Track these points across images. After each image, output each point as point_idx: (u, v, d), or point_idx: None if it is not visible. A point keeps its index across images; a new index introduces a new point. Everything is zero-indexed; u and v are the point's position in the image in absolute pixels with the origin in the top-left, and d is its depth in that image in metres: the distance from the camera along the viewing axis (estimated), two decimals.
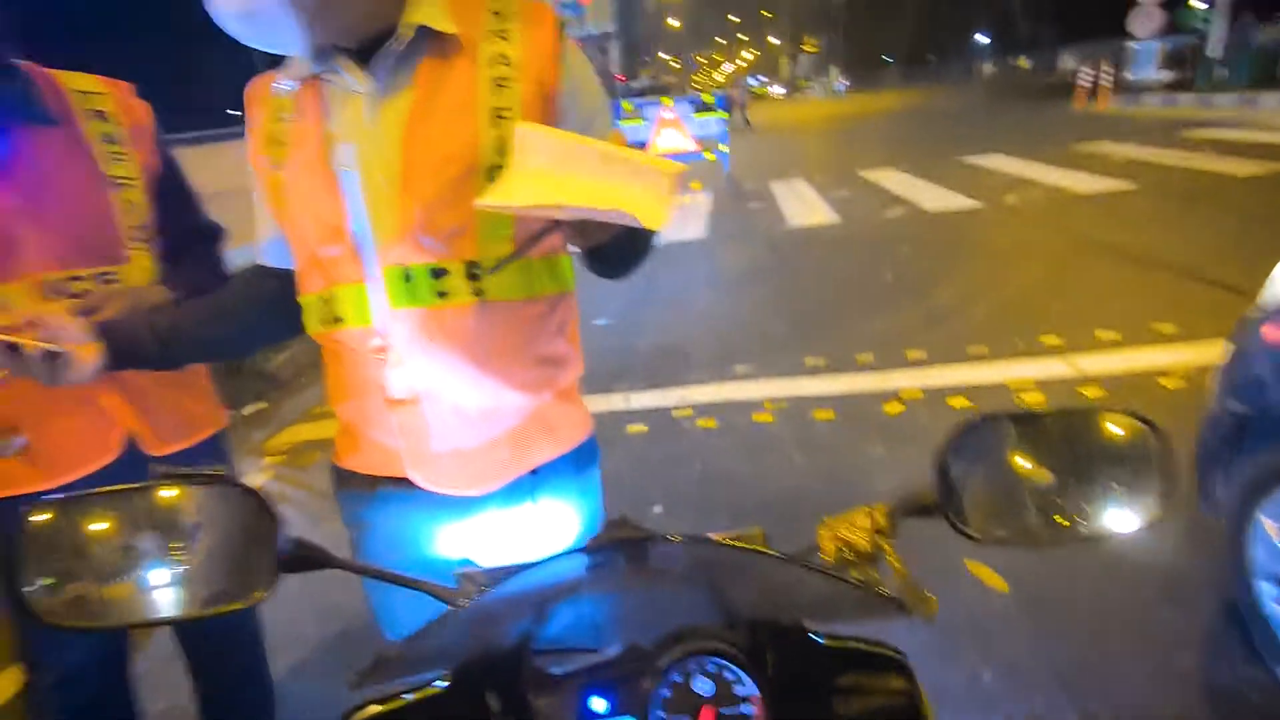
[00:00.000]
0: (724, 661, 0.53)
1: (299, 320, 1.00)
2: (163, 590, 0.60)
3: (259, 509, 0.60)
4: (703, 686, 0.53)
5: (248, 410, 3.97)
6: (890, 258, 5.56)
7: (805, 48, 71.88)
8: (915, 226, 6.60)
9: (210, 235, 1.35)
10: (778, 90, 64.45)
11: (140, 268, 1.18)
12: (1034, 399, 3.04)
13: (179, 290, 1.16)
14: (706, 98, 10.77)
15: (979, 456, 0.59)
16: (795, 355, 3.81)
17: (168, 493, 0.61)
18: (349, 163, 0.85)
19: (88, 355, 0.85)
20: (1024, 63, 39.66)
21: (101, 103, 1.18)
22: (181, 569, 0.60)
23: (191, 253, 1.29)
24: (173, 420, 1.23)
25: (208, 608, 0.60)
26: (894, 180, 9.05)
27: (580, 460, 1.02)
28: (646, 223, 0.64)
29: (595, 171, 0.70)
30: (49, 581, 0.58)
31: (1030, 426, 0.60)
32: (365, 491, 0.98)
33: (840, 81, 51.70)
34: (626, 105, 10.47)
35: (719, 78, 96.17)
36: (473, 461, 0.93)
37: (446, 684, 0.57)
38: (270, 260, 1.00)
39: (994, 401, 3.05)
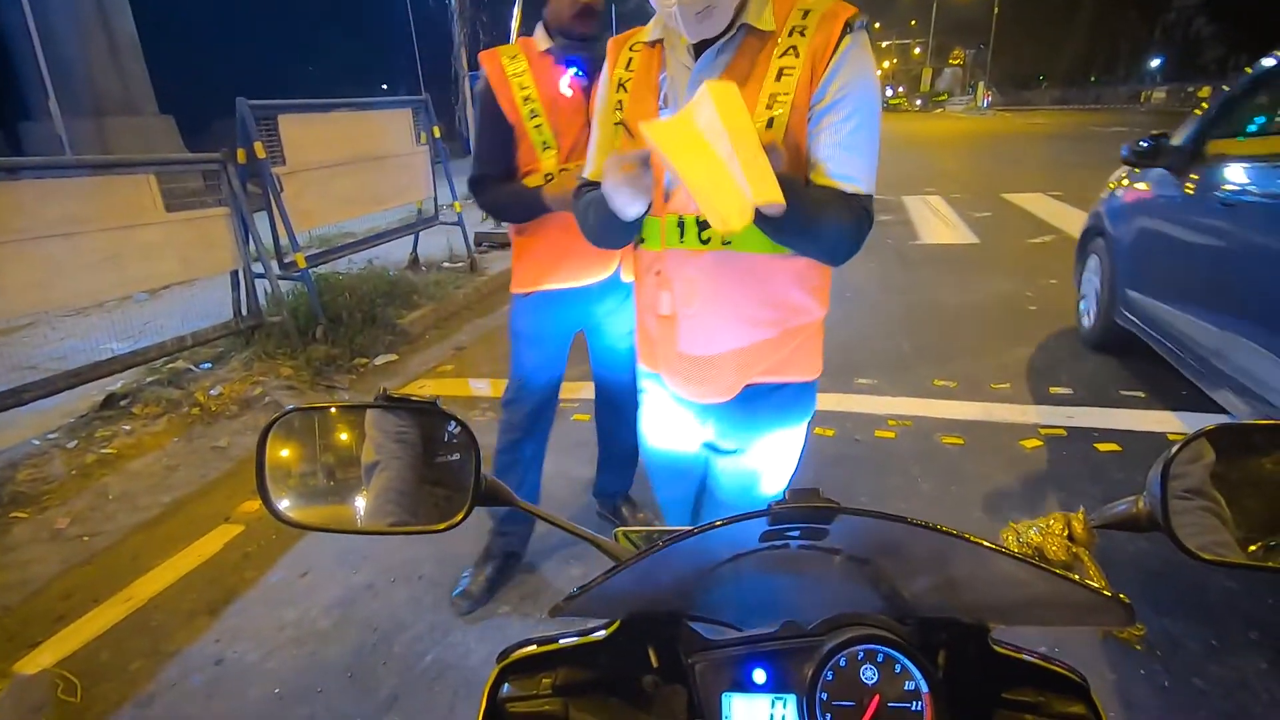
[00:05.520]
0: (895, 654, 0.52)
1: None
2: (374, 502, 0.62)
3: (467, 443, 0.61)
4: (869, 676, 0.52)
5: (379, 360, 4.23)
6: (1035, 286, 5.18)
7: (951, 61, 68.33)
8: (1065, 256, 6.09)
9: None
10: (915, 103, 61.69)
11: None
12: None
13: None
14: None
15: (1206, 469, 0.53)
16: (923, 375, 3.62)
17: (389, 414, 0.63)
18: (668, 115, 1.06)
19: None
20: (1205, 91, 35.75)
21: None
22: (392, 486, 0.63)
23: None
24: None
25: (410, 525, 0.62)
26: (1042, 206, 8.43)
27: (797, 398, 1.21)
28: (712, 221, 0.82)
29: (720, 156, 0.80)
30: (285, 482, 0.61)
31: (1270, 437, 0.54)
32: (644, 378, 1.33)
33: (986, 98, 48.71)
34: None
35: None
36: (705, 369, 1.17)
37: (606, 633, 0.58)
38: (590, 174, 1.26)
39: (1150, 450, 2.77)
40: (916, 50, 76.94)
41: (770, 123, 1.01)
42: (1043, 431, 2.99)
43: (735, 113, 0.80)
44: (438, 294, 5.21)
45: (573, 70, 1.75)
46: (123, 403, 3.46)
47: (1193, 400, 3.16)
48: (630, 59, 1.15)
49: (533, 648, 0.58)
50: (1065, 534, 0.56)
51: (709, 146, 0.81)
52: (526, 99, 1.74)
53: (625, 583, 0.51)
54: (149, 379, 3.71)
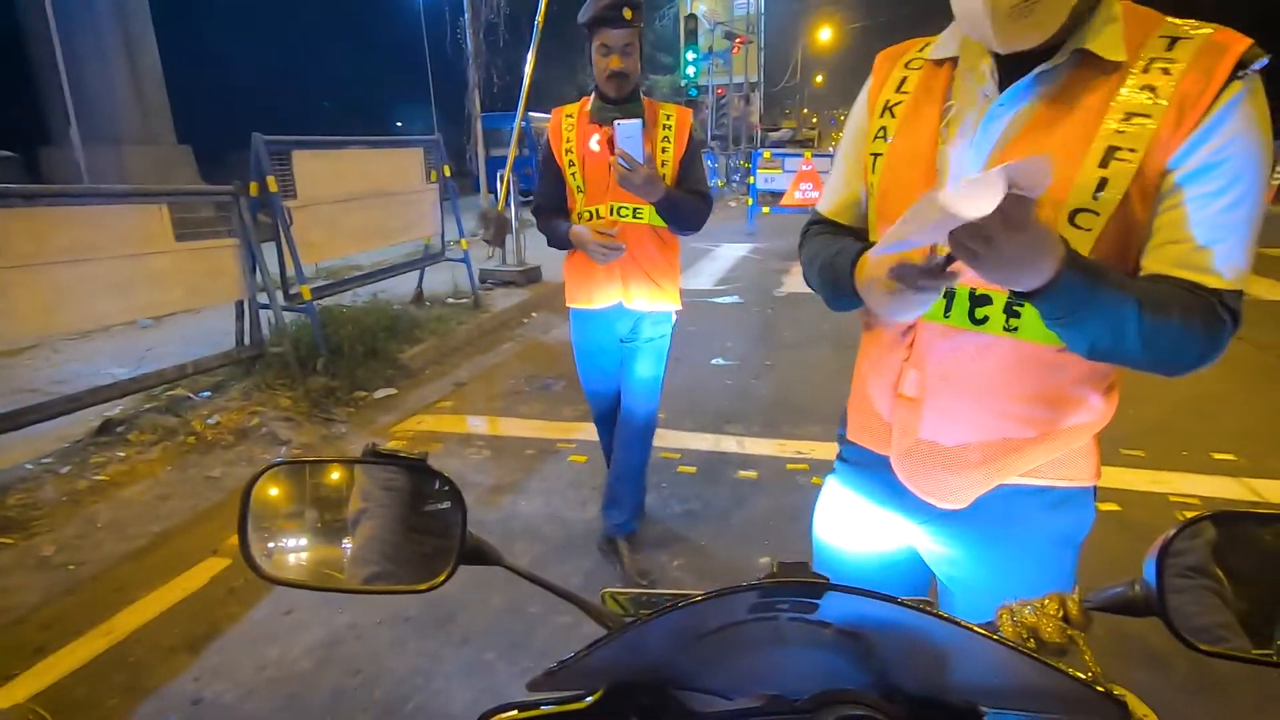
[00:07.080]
0: None
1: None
2: (359, 561, 0.61)
3: (453, 500, 0.61)
4: None
5: (379, 394, 4.23)
6: None
7: None
8: None
9: (702, 197, 2.16)
10: None
11: (651, 208, 2.11)
12: None
13: (672, 224, 2.14)
14: None
15: (1205, 556, 0.53)
16: None
17: (378, 470, 0.63)
18: (952, 157, 0.86)
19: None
20: None
21: (670, 119, 2.16)
22: (377, 544, 0.62)
23: (687, 204, 2.11)
24: (644, 295, 2.23)
25: (393, 585, 0.62)
26: None
27: (1058, 505, 0.94)
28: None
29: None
30: (267, 537, 0.60)
31: (1273, 528, 0.53)
32: (859, 462, 1.07)
33: None
34: (766, 154, 10.59)
35: None
36: (948, 460, 0.93)
37: (591, 701, 0.57)
38: (824, 210, 1.06)
39: (1150, 513, 2.74)
40: None
41: (1101, 184, 0.76)
42: None
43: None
44: (440, 329, 5.24)
45: (599, 130, 2.14)
46: (119, 429, 3.45)
47: (1191, 461, 3.14)
48: (904, 78, 0.93)
49: (514, 712, 0.57)
50: (1060, 615, 0.55)
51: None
52: (568, 150, 2.17)
53: (611, 653, 0.51)
54: (147, 406, 3.71)
